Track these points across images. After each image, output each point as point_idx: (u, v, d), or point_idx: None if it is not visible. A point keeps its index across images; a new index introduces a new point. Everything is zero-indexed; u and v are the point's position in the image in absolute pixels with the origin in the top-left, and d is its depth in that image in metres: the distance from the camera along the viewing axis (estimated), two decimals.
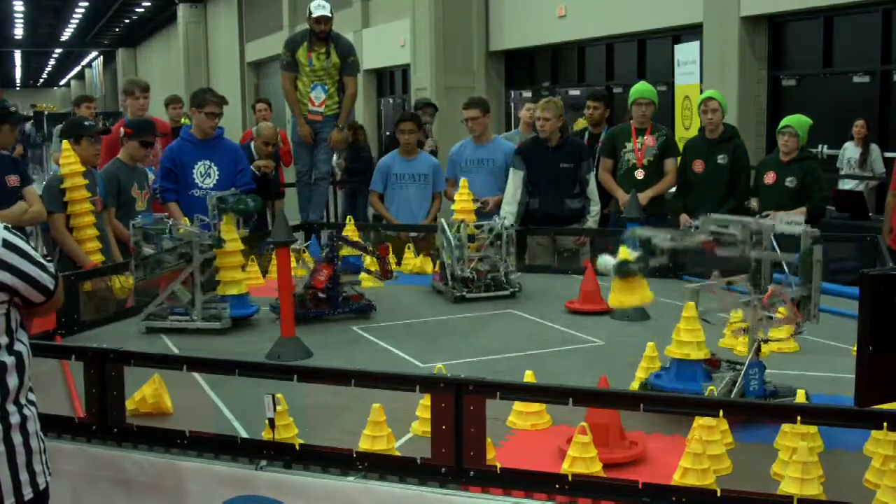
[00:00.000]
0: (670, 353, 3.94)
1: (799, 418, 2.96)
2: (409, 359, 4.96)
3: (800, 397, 3.45)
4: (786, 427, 3.32)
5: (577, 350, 5.13)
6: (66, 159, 6.49)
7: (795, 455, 3.01)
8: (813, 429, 3.33)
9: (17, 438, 2.88)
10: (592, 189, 7.83)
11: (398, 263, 7.48)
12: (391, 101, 25.56)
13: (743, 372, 3.76)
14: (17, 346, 2.90)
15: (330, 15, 8.73)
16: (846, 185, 11.77)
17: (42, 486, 2.96)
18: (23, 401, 2.92)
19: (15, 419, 2.87)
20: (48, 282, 2.94)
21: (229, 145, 7.96)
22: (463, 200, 6.98)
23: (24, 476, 2.88)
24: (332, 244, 5.96)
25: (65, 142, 6.68)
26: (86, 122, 7.14)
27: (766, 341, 3.87)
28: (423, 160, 8.56)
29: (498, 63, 20.66)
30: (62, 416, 3.83)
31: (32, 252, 2.91)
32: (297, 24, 28.87)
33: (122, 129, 7.50)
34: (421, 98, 11.87)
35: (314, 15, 8.69)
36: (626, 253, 3.99)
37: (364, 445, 3.37)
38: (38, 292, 2.93)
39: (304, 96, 8.90)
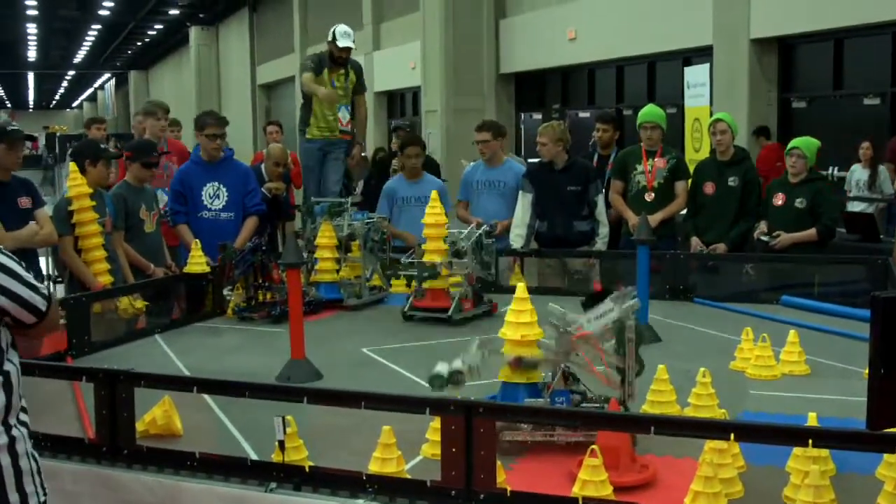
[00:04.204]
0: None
1: (811, 441, 2.95)
2: (418, 381, 4.94)
3: (811, 420, 3.43)
4: (797, 450, 3.30)
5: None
6: (73, 181, 6.52)
7: (807, 479, 3.00)
8: (825, 452, 3.31)
9: (4, 460, 2.87)
10: (601, 211, 7.84)
11: (408, 285, 7.48)
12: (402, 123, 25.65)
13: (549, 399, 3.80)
14: (7, 367, 2.91)
15: (354, 47, 8.95)
16: (856, 206, 11.75)
17: None
18: (12, 421, 2.91)
19: (2, 440, 2.87)
20: (39, 303, 2.95)
21: (238, 166, 8.01)
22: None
23: (13, 497, 2.87)
24: None
25: (72, 164, 6.72)
26: (102, 145, 7.21)
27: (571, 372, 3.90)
28: (429, 183, 8.57)
29: (508, 85, 20.71)
30: (72, 437, 3.84)
31: (24, 273, 2.92)
32: (307, 46, 29.03)
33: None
34: (400, 122, 11.59)
35: (340, 45, 8.85)
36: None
37: (374, 468, 3.36)
38: (28, 313, 2.94)
39: (320, 118, 9.01)
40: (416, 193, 8.47)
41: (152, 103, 9.52)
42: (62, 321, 3.18)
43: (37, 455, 3.01)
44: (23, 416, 2.98)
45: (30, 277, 2.94)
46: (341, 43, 8.90)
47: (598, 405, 3.82)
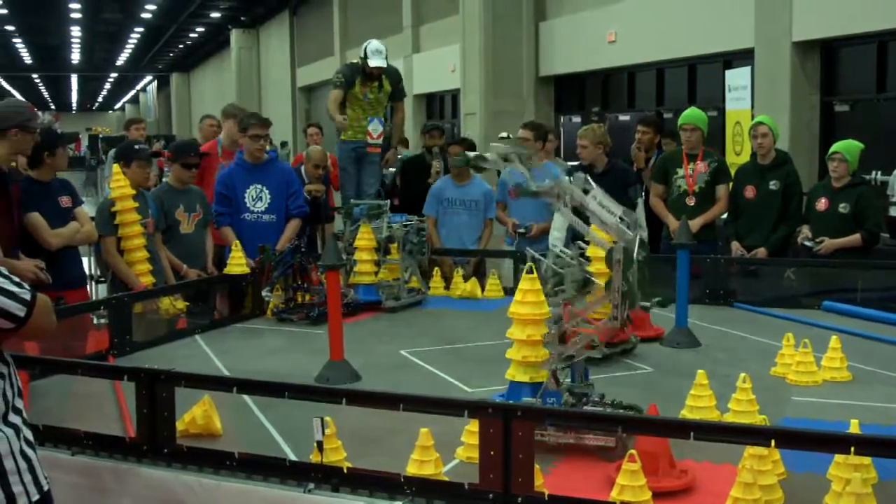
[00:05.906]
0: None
1: (853, 449, 2.91)
2: (456, 383, 4.95)
3: (853, 427, 3.39)
4: (839, 458, 3.26)
5: (627, 377, 5.09)
6: (117, 182, 6.61)
7: (849, 486, 2.97)
8: (867, 460, 3.27)
9: None
10: (640, 215, 7.80)
11: (447, 288, 7.50)
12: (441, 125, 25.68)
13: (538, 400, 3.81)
14: None
15: (385, 66, 8.93)
16: None
17: None
18: None
19: None
20: (16, 309, 2.96)
21: (281, 168, 8.05)
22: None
23: None
24: None
25: (115, 165, 6.81)
26: (136, 146, 7.27)
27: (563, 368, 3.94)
28: (476, 186, 8.56)
29: (548, 88, 20.65)
30: (113, 435, 3.88)
31: (2, 281, 2.97)
32: (347, 48, 29.16)
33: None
34: (430, 122, 11.22)
35: (371, 65, 8.84)
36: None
37: (412, 470, 3.36)
38: (4, 319, 2.97)
39: (354, 122, 9.02)
40: (460, 196, 8.46)
41: (234, 106, 9.57)
42: (52, 323, 3.16)
43: (30, 454, 3.03)
44: (13, 418, 3.01)
45: (10, 285, 2.96)
46: (372, 63, 8.87)
47: (606, 405, 3.81)
